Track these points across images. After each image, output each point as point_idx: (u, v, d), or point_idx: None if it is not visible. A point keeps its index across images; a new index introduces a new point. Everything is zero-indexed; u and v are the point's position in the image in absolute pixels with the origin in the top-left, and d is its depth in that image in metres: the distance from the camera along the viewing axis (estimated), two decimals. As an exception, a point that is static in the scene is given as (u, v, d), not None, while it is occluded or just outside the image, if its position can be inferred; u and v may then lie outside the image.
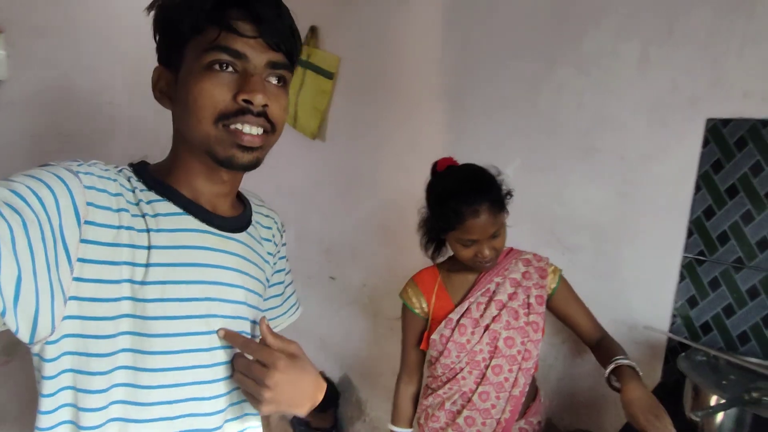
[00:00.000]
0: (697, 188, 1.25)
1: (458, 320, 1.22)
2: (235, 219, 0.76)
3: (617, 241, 1.39)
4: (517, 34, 1.53)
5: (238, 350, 0.71)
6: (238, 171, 0.70)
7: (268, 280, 0.85)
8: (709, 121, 1.23)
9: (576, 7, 1.41)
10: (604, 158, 1.39)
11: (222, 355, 0.71)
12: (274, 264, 0.88)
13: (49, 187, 0.56)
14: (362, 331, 2.13)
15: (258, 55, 0.65)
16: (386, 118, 1.93)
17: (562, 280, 1.27)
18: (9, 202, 0.52)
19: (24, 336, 0.56)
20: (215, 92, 0.63)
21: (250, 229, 0.79)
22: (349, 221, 2.12)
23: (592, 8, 1.38)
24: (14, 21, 1.36)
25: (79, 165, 0.62)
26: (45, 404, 0.62)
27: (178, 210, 0.69)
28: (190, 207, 0.70)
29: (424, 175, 1.74)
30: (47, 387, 0.61)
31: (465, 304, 1.22)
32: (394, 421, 1.37)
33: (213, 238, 0.71)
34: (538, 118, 1.50)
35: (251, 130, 0.65)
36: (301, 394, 0.69)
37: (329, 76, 2.06)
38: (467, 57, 1.66)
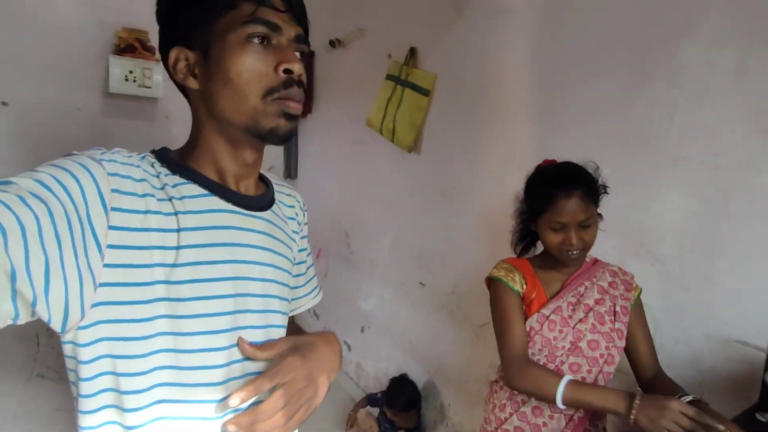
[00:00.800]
0: (799, 197, 1.19)
1: (548, 316, 1.24)
2: (259, 198, 0.75)
3: (709, 252, 1.35)
4: (609, 48, 1.56)
5: (271, 329, 0.72)
6: (276, 143, 0.70)
7: (294, 259, 0.84)
8: (812, 127, 1.17)
9: (668, 19, 1.41)
10: (696, 167, 1.37)
11: (257, 335, 0.71)
12: (298, 242, 0.87)
13: (73, 175, 0.56)
14: (449, 336, 2.20)
15: (288, 28, 0.67)
16: (479, 133, 2.02)
17: (640, 301, 1.27)
18: (34, 192, 0.52)
19: (56, 324, 0.55)
20: (258, 65, 0.64)
21: (274, 207, 0.79)
22: (440, 230, 2.23)
23: (685, 20, 1.38)
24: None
25: (102, 153, 0.63)
26: (84, 388, 0.61)
27: (203, 191, 0.68)
28: (215, 188, 0.69)
29: (515, 188, 1.81)
30: (85, 371, 0.61)
31: (558, 302, 1.25)
32: (551, 389, 1.12)
33: (239, 217, 0.71)
34: (628, 129, 1.51)
35: (294, 99, 0.68)
36: (327, 366, 0.71)
37: (426, 93, 2.21)
38: (559, 72, 1.71)
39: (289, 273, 0.80)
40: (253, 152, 0.72)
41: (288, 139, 0.70)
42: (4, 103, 1.73)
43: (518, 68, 1.86)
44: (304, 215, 0.89)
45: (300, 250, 0.88)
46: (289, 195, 0.87)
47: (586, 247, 1.20)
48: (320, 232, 2.91)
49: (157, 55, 1.80)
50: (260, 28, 0.65)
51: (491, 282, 1.32)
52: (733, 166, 1.30)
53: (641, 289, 1.28)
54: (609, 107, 1.56)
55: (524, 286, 1.27)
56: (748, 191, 1.28)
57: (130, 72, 1.58)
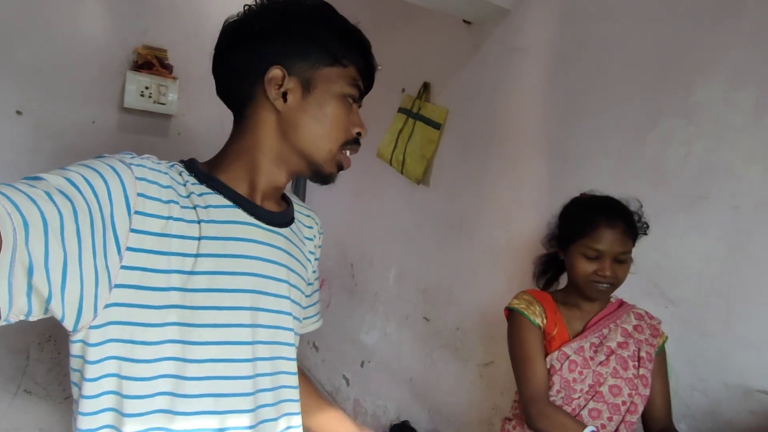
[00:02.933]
0: (823, 240, 1.15)
1: (571, 356, 1.18)
2: (280, 214, 0.78)
3: (729, 296, 1.29)
4: (622, 84, 1.55)
5: (279, 345, 0.74)
6: (318, 183, 0.78)
7: (308, 279, 0.85)
8: (836, 169, 1.14)
9: (684, 56, 1.41)
10: (714, 207, 1.33)
11: (264, 350, 0.71)
12: (312, 263, 0.88)
13: (102, 177, 0.58)
14: (452, 375, 2.12)
15: (361, 98, 0.79)
16: (489, 167, 2.01)
17: (664, 349, 1.22)
18: (62, 189, 0.53)
19: (69, 323, 0.56)
20: (346, 120, 0.75)
21: (293, 226, 0.81)
22: (447, 265, 2.18)
23: (702, 57, 1.37)
24: (186, 71, 1.74)
25: (132, 158, 0.65)
26: (88, 389, 0.61)
27: (228, 203, 0.70)
28: (239, 200, 0.72)
29: (525, 225, 1.77)
30: (91, 372, 0.61)
31: (581, 342, 1.19)
32: (561, 426, 1.08)
33: (260, 231, 0.72)
34: (641, 166, 1.49)
35: (352, 154, 0.79)
36: None
37: (437, 126, 2.21)
38: (571, 108, 1.70)
39: (303, 292, 0.81)
40: (289, 177, 0.77)
41: (330, 183, 0.78)
42: (19, 112, 1.76)
43: (530, 104, 1.86)
44: (320, 238, 0.91)
45: (312, 272, 0.90)
46: (308, 216, 0.89)
47: (617, 283, 1.16)
48: (324, 262, 2.87)
49: (174, 74, 1.86)
50: (356, 93, 0.76)
51: (510, 313, 1.26)
52: (752, 207, 1.26)
53: (667, 337, 1.22)
54: (622, 143, 1.54)
55: (545, 321, 1.21)
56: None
57: (146, 88, 1.61)
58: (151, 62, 1.60)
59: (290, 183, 0.83)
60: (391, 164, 2.44)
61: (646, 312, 1.24)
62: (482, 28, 2.06)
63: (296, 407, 0.78)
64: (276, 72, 0.71)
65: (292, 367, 0.77)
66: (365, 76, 0.77)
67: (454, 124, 2.17)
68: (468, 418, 2.02)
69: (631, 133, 1.51)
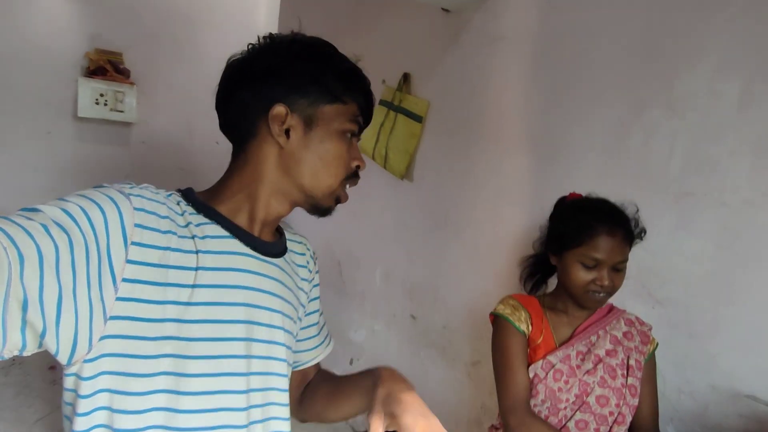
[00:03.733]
0: (813, 240, 1.09)
1: (556, 365, 1.14)
2: (274, 244, 0.78)
3: (716, 297, 1.24)
4: (607, 77, 1.49)
5: (271, 376, 0.73)
6: (315, 215, 0.79)
7: (303, 306, 0.85)
8: (826, 164, 1.08)
9: (668, 48, 1.34)
10: (701, 204, 1.27)
11: (257, 381, 0.71)
12: (310, 291, 0.88)
13: (100, 207, 0.58)
14: (440, 374, 2.09)
15: (361, 130, 0.80)
16: (473, 161, 1.95)
17: (654, 356, 1.18)
18: (59, 221, 0.54)
19: (63, 356, 0.56)
20: (346, 156, 0.75)
21: (286, 256, 0.81)
22: (433, 262, 2.14)
23: (687, 49, 1.30)
24: (144, 75, 1.66)
25: (131, 188, 0.65)
26: (79, 424, 0.61)
27: (224, 233, 0.71)
28: (236, 230, 0.72)
29: (510, 220, 1.72)
30: (82, 406, 0.61)
31: (567, 350, 1.15)
32: None
33: (255, 261, 0.73)
34: (627, 161, 1.43)
35: (351, 185, 0.79)
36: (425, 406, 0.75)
37: (419, 119, 2.14)
38: (555, 101, 1.64)
39: (295, 322, 0.81)
40: (289, 209, 0.77)
41: (323, 217, 0.79)
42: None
43: (513, 96, 1.79)
44: (315, 263, 0.91)
45: (312, 300, 0.89)
46: (300, 243, 0.89)
47: (614, 291, 1.11)
48: (311, 260, 2.82)
49: (132, 79, 1.78)
50: (356, 129, 0.77)
51: (495, 318, 1.21)
52: (739, 204, 1.21)
53: (657, 343, 1.18)
54: (607, 137, 1.48)
55: (530, 328, 1.17)
56: (756, 230, 1.18)
57: (101, 95, 1.52)
58: (104, 67, 1.51)
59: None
60: (373, 159, 2.38)
61: (637, 318, 1.20)
62: (461, 16, 1.98)
63: None
64: (280, 109, 0.72)
65: (284, 398, 0.77)
66: (365, 112, 0.78)
67: (436, 117, 2.10)
68: (456, 417, 2.00)
69: (616, 126, 1.45)
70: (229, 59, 0.77)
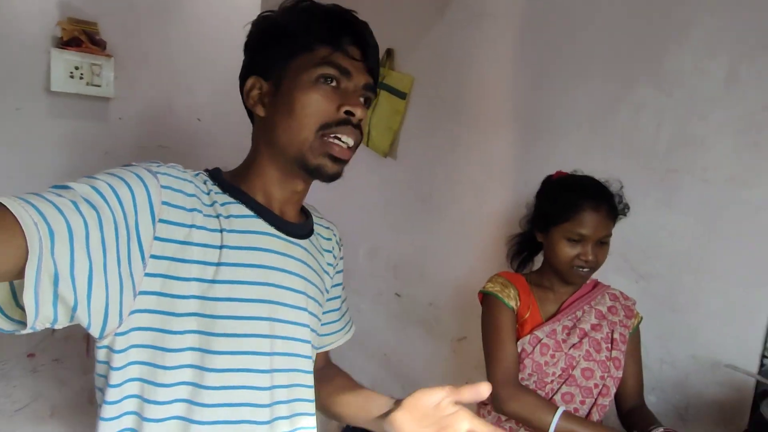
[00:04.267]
0: (792, 215, 1.13)
1: (542, 339, 1.17)
2: (300, 225, 0.78)
3: (698, 271, 1.28)
4: (594, 53, 1.48)
5: (295, 357, 0.72)
6: (322, 180, 0.73)
7: (327, 291, 0.85)
8: (807, 141, 1.11)
9: (657, 24, 1.35)
10: (685, 181, 1.30)
11: (281, 362, 0.71)
12: (333, 276, 0.88)
13: (128, 185, 0.59)
14: (426, 350, 2.11)
15: (359, 76, 0.72)
16: (458, 139, 1.94)
17: (638, 330, 1.21)
18: (88, 198, 0.55)
19: (95, 330, 0.57)
20: (322, 102, 0.69)
21: (312, 237, 0.81)
22: (418, 239, 2.14)
23: (674, 26, 1.31)
24: (122, 48, 1.57)
25: (158, 166, 0.66)
26: (111, 395, 0.63)
27: (249, 213, 0.71)
28: (261, 210, 0.72)
29: (495, 196, 1.73)
30: (115, 377, 0.63)
31: (553, 325, 1.17)
32: (545, 419, 1.04)
33: (279, 242, 0.73)
34: (613, 138, 1.44)
35: (347, 140, 0.70)
36: None
37: (402, 96, 2.11)
38: (541, 77, 1.63)
39: (320, 304, 0.80)
40: (300, 183, 0.75)
41: (334, 179, 0.72)
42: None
43: (499, 73, 1.77)
44: (340, 249, 0.90)
45: (335, 285, 0.89)
46: (327, 228, 0.88)
47: (597, 266, 1.14)
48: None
49: (109, 51, 1.69)
50: (331, 71, 0.70)
51: (485, 297, 1.23)
52: (723, 181, 1.24)
53: (642, 318, 1.21)
54: (594, 114, 1.48)
55: (518, 303, 1.19)
56: (737, 207, 1.22)
57: (76, 68, 1.43)
58: (80, 38, 1.42)
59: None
60: (356, 137, 2.34)
61: (621, 292, 1.23)
62: (446, -10, 1.94)
63: (312, 421, 0.77)
64: (249, 83, 0.73)
65: (309, 380, 0.76)
66: (341, 46, 0.71)
67: (420, 94, 2.08)
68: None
69: (603, 103, 1.46)
70: None
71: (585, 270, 1.13)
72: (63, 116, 1.49)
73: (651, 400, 1.36)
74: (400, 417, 0.66)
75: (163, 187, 0.63)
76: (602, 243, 1.13)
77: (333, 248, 0.88)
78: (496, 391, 1.10)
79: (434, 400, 0.64)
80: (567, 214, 1.11)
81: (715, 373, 1.25)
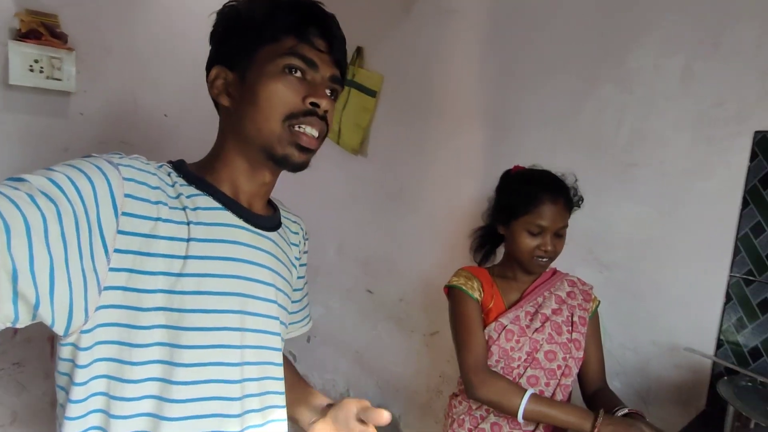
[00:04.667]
0: (745, 204, 1.20)
1: (507, 326, 1.21)
2: (268, 218, 0.77)
3: (658, 260, 1.34)
4: (560, 51, 1.53)
5: (265, 350, 0.72)
6: (290, 170, 0.73)
7: (293, 284, 0.85)
8: (757, 133, 1.18)
9: (619, 24, 1.40)
10: (644, 174, 1.36)
11: (251, 355, 0.70)
12: (298, 269, 0.88)
13: (88, 177, 0.57)
14: (398, 346, 2.12)
15: (325, 68, 0.72)
16: (427, 135, 1.96)
17: (597, 313, 1.26)
18: (45, 191, 0.52)
19: (59, 327, 0.55)
20: (287, 93, 0.68)
21: (280, 230, 0.81)
22: (388, 235, 2.15)
23: (636, 25, 1.37)
24: (84, 40, 1.52)
25: (120, 158, 0.64)
26: (76, 393, 0.61)
27: (216, 205, 0.70)
28: (228, 202, 0.71)
29: (463, 192, 1.75)
30: (80, 375, 0.61)
31: (516, 311, 1.22)
32: (514, 401, 1.07)
33: (248, 234, 0.72)
34: (578, 134, 1.49)
35: (312, 131, 0.70)
36: None
37: (372, 94, 2.12)
38: (508, 75, 1.67)
39: (288, 297, 0.80)
40: (268, 173, 0.74)
41: (301, 169, 0.72)
42: None
43: (467, 70, 1.81)
44: (305, 244, 0.91)
45: (298, 278, 0.89)
46: (294, 222, 0.88)
47: (556, 255, 1.19)
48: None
49: (71, 44, 1.63)
50: (296, 62, 0.69)
51: (450, 290, 1.26)
52: (679, 173, 1.30)
53: (599, 302, 1.26)
54: (559, 111, 1.53)
55: (482, 294, 1.24)
56: (693, 198, 1.28)
57: (36, 61, 1.37)
58: (38, 30, 1.37)
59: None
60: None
61: (578, 279, 1.28)
62: (414, -12, 1.96)
63: (282, 414, 0.77)
64: (213, 72, 0.73)
65: (279, 372, 0.76)
66: (307, 37, 0.71)
67: (389, 91, 2.09)
68: (416, 386, 2.05)
69: (568, 100, 1.51)
70: None
71: (544, 260, 1.18)
72: (21, 111, 1.42)
73: (615, 385, 1.42)
74: (319, 427, 0.75)
75: (125, 179, 0.61)
76: (559, 235, 1.18)
77: (300, 242, 0.88)
78: (468, 377, 1.13)
79: (349, 414, 0.72)
80: (527, 207, 1.16)
81: (674, 357, 1.32)
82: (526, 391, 1.08)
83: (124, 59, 1.59)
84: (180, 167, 0.72)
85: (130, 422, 0.62)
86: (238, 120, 0.71)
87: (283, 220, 0.83)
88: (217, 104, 0.76)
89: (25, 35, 1.35)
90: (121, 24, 1.56)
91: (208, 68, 0.74)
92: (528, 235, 1.17)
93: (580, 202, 1.25)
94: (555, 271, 1.29)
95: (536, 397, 1.07)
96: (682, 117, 1.29)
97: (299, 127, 0.69)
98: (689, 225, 1.29)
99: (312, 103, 0.69)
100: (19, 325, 0.52)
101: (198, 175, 0.72)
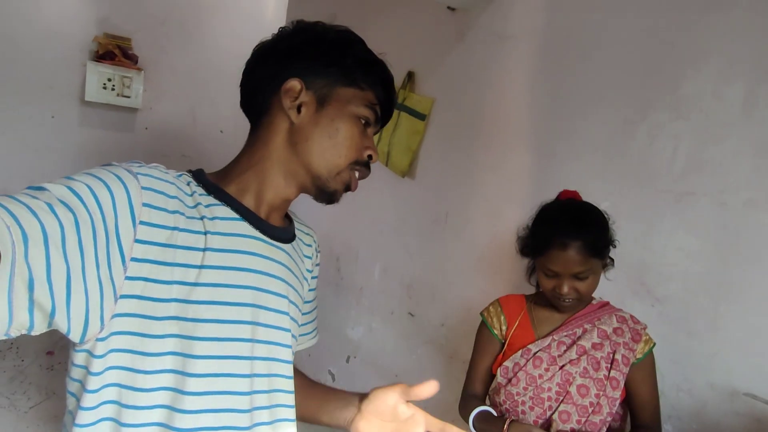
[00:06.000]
0: (812, 239, 1.11)
1: (536, 353, 1.18)
2: (284, 230, 0.78)
3: (715, 295, 1.25)
4: (610, 78, 1.50)
5: (275, 362, 0.72)
6: (323, 202, 0.77)
7: (304, 297, 0.85)
8: (826, 165, 1.10)
9: (674, 49, 1.36)
10: (701, 204, 1.29)
11: (260, 366, 0.70)
12: (309, 282, 0.88)
13: (107, 186, 0.57)
14: (437, 371, 2.09)
15: (376, 126, 0.78)
16: (476, 160, 1.96)
17: (651, 355, 1.18)
18: (64, 200, 0.53)
19: (75, 335, 0.56)
20: (358, 141, 0.74)
21: (294, 243, 0.81)
22: (432, 259, 2.14)
23: (693, 50, 1.32)
24: (152, 62, 1.65)
25: (139, 167, 0.64)
26: (87, 400, 0.61)
27: (234, 215, 0.70)
28: (245, 213, 0.72)
29: (510, 218, 1.73)
30: (93, 383, 0.61)
31: (547, 340, 1.19)
32: (469, 412, 1.19)
33: (263, 245, 0.72)
34: (629, 162, 1.44)
35: (361, 176, 0.77)
36: None
37: (422, 117, 2.15)
38: (559, 100, 1.65)
39: (299, 310, 0.80)
40: (297, 192, 0.76)
41: (333, 203, 0.77)
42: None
43: (517, 96, 1.80)
44: (317, 256, 0.91)
45: (309, 290, 0.89)
46: (307, 234, 0.89)
47: (581, 297, 1.14)
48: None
49: (140, 65, 1.78)
50: (370, 116, 0.75)
51: (481, 318, 1.32)
52: (740, 204, 1.23)
53: (654, 343, 1.18)
54: (610, 137, 1.49)
55: (504, 331, 1.26)
56: (757, 230, 1.20)
57: (109, 80, 1.51)
58: (113, 52, 1.50)
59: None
60: (375, 156, 2.38)
61: (632, 316, 1.21)
62: (467, 14, 2.00)
63: (293, 427, 0.76)
64: (293, 84, 0.73)
65: (289, 385, 0.76)
66: (383, 104, 0.77)
67: (440, 115, 2.11)
68: (454, 414, 2.00)
69: (619, 126, 1.47)
70: (258, 43, 0.79)
71: (567, 300, 1.14)
72: (94, 125, 1.56)
73: (667, 429, 1.32)
74: (363, 426, 0.74)
75: (144, 188, 0.61)
76: (581, 278, 1.11)
77: (312, 254, 0.88)
78: (461, 398, 1.29)
79: (390, 402, 0.71)
80: (539, 250, 1.14)
81: (733, 402, 1.22)
82: (477, 408, 1.17)
83: (185, 79, 1.72)
84: (199, 176, 0.72)
85: (141, 430, 0.62)
86: (302, 141, 0.72)
87: (296, 232, 0.84)
88: (270, 110, 0.74)
89: (101, 56, 1.50)
90: (184, 47, 1.69)
91: (284, 75, 0.73)
92: (544, 276, 1.15)
93: (612, 245, 1.16)
94: (605, 304, 1.23)
95: (484, 413, 1.16)
96: (743, 144, 1.22)
97: (354, 173, 0.75)
98: (750, 258, 1.20)
99: (369, 156, 0.75)
100: (34, 332, 0.52)
101: (217, 184, 0.72)
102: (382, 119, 0.79)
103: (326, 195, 0.75)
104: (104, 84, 1.51)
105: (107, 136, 1.58)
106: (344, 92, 0.73)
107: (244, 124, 0.76)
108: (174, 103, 1.69)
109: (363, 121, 0.75)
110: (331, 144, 0.72)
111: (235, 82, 0.76)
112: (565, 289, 1.10)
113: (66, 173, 0.57)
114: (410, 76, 2.24)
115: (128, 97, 1.55)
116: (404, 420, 0.71)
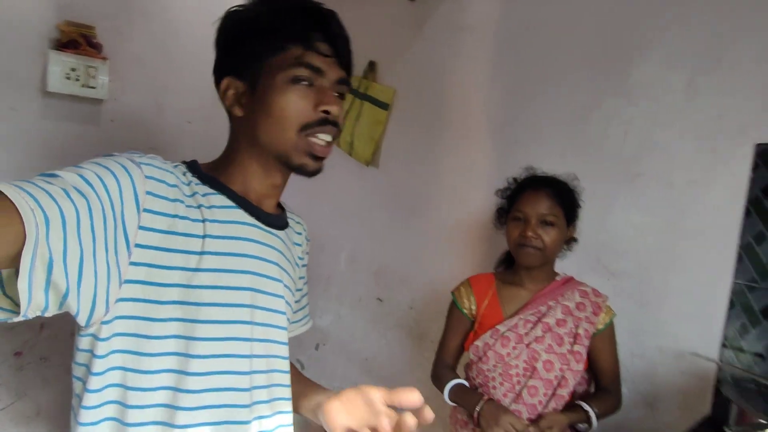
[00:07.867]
0: (747, 213, 1.24)
1: (503, 332, 1.25)
2: (277, 217, 0.80)
3: (663, 268, 1.37)
4: (566, 65, 1.59)
5: (272, 344, 0.74)
6: (305, 176, 0.76)
7: (296, 282, 0.88)
8: (759, 146, 1.23)
9: (624, 38, 1.46)
10: (650, 184, 1.40)
11: (259, 348, 0.73)
12: (300, 269, 0.91)
13: (114, 175, 0.60)
14: (407, 354, 2.15)
15: (331, 72, 0.73)
16: (438, 147, 2.01)
17: (611, 325, 1.27)
18: (78, 187, 0.55)
19: (82, 318, 0.58)
20: (300, 104, 0.70)
21: (287, 230, 0.84)
22: (398, 245, 2.19)
23: (641, 40, 1.43)
24: (117, 51, 1.60)
25: (140, 156, 0.66)
26: (93, 383, 0.63)
27: (230, 203, 0.73)
28: (241, 201, 0.74)
29: (474, 202, 1.81)
30: (98, 366, 0.63)
31: (514, 320, 1.26)
32: (443, 383, 1.28)
33: (259, 231, 0.75)
34: (586, 145, 1.54)
35: (326, 137, 0.73)
36: None
37: (384, 107, 2.19)
38: (517, 87, 1.73)
39: (292, 293, 0.83)
40: (279, 177, 0.77)
41: (315, 174, 0.76)
42: None
43: (477, 83, 1.87)
44: (307, 245, 0.94)
45: (300, 278, 0.91)
46: (298, 223, 0.91)
47: (544, 246, 1.21)
48: (275, 247, 2.80)
49: (104, 54, 1.71)
50: (305, 72, 0.71)
51: (452, 297, 1.38)
52: (684, 184, 1.34)
53: (615, 314, 1.28)
54: (567, 123, 1.58)
55: (474, 310, 1.33)
56: (699, 207, 1.32)
57: (73, 70, 1.45)
58: (77, 41, 1.45)
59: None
60: (339, 146, 2.40)
61: (593, 289, 1.30)
62: (427, 5, 2.04)
63: (289, 405, 0.79)
64: (224, 84, 0.74)
65: (285, 366, 0.78)
66: (312, 44, 0.71)
67: (402, 105, 2.15)
68: (424, 394, 2.06)
69: (576, 113, 1.56)
70: None
71: (531, 249, 1.21)
72: (57, 118, 1.50)
73: (623, 392, 1.44)
74: (334, 406, 0.70)
75: (147, 177, 0.63)
76: (547, 223, 1.21)
77: (302, 242, 0.91)
78: (433, 367, 1.39)
79: (371, 397, 0.67)
80: (512, 200, 1.27)
81: (680, 363, 1.34)
82: (453, 380, 1.26)
83: (152, 69, 1.68)
84: (194, 167, 0.74)
85: (145, 412, 0.64)
86: (252, 129, 0.72)
87: (288, 220, 0.86)
88: (229, 113, 0.77)
89: (64, 45, 1.44)
90: (151, 36, 1.64)
91: (217, 77, 0.76)
92: (513, 223, 1.25)
93: (573, 196, 1.29)
94: (569, 280, 1.31)
95: (459, 387, 1.25)
96: (686, 129, 1.34)
97: (314, 137, 0.72)
98: (694, 234, 1.33)
99: (324, 111, 0.71)
100: (47, 314, 0.54)
101: (210, 175, 0.74)
102: (337, 57, 0.74)
103: (297, 170, 0.74)
104: (68, 74, 1.45)
105: (71, 128, 1.53)
106: (269, 64, 0.71)
107: (211, 115, 0.77)
108: (140, 94, 1.64)
109: (304, 82, 0.71)
110: (271, 121, 0.70)
111: (201, 70, 0.76)
112: (531, 231, 1.20)
113: (28, 167, 0.57)
114: (372, 65, 2.27)
115: (93, 87, 1.50)
116: (377, 414, 0.66)
